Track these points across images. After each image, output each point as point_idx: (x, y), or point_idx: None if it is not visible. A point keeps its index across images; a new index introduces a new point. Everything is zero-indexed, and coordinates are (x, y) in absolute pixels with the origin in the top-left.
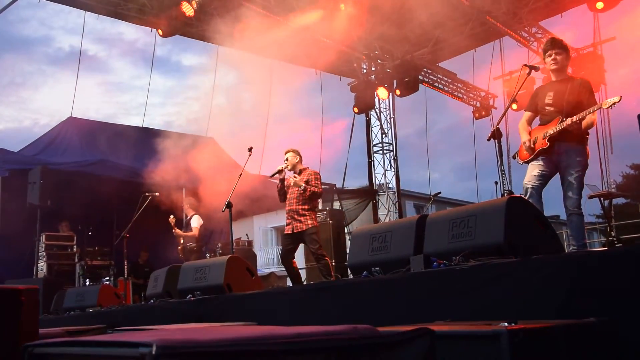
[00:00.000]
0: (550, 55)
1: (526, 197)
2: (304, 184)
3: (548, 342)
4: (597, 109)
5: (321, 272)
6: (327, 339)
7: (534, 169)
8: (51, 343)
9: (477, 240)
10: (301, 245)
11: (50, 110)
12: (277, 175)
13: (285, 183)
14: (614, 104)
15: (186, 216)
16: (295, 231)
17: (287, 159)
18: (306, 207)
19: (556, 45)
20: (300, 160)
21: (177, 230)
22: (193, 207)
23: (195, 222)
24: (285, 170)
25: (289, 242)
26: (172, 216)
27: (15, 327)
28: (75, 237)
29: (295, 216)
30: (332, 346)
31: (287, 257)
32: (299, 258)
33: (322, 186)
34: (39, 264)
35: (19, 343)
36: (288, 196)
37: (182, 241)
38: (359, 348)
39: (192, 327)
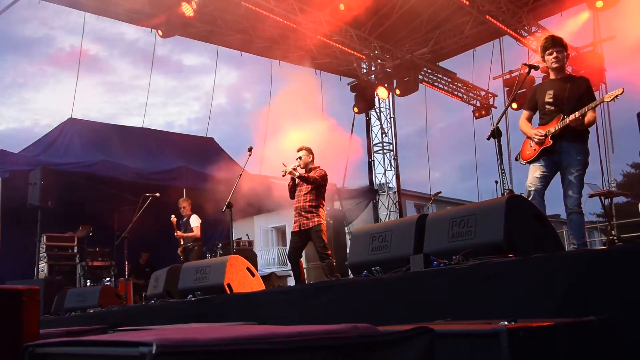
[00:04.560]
0: (551, 54)
1: (529, 199)
2: (297, 172)
3: (548, 340)
4: (599, 103)
5: (324, 271)
6: (327, 338)
7: (536, 170)
8: (52, 343)
9: (477, 239)
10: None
11: (51, 111)
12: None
13: (296, 181)
14: (616, 96)
15: (183, 217)
16: (302, 228)
17: (300, 157)
18: (314, 204)
19: (557, 43)
20: (313, 159)
21: (179, 232)
22: (190, 207)
23: (195, 221)
24: (298, 168)
25: (296, 240)
26: (173, 216)
27: (16, 328)
28: (75, 238)
29: (303, 213)
30: (332, 345)
31: (294, 255)
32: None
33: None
34: (39, 265)
35: (20, 343)
36: (297, 193)
37: (182, 242)
38: (359, 347)
39: (193, 327)
